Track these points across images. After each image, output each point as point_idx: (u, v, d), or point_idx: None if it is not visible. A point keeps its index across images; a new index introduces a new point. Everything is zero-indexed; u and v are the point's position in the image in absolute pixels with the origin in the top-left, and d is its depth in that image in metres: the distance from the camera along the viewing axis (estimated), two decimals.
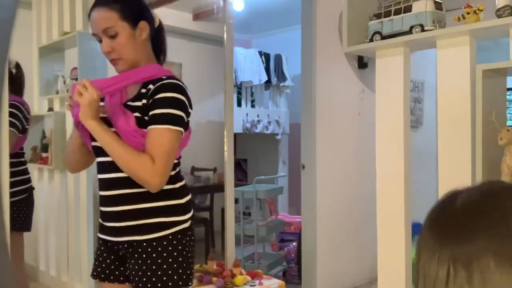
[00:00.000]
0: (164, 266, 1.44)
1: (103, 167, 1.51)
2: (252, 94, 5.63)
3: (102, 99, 1.50)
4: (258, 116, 5.55)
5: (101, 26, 1.46)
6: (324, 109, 3.53)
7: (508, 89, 2.09)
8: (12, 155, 2.54)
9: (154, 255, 1.44)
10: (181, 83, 1.48)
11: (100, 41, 1.50)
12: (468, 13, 1.71)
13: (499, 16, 1.65)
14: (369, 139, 2.55)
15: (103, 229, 1.56)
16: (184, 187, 1.56)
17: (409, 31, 1.88)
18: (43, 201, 3.54)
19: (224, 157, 3.14)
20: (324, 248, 3.53)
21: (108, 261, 1.57)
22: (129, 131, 1.42)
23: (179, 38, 5.43)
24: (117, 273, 1.56)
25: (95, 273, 1.59)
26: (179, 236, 1.48)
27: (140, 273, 1.45)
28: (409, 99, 2.06)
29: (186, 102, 1.45)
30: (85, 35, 3.10)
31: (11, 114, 2.46)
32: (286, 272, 4.09)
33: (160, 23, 1.63)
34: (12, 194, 2.51)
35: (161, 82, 1.45)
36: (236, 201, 3.72)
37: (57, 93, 3.45)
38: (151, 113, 1.42)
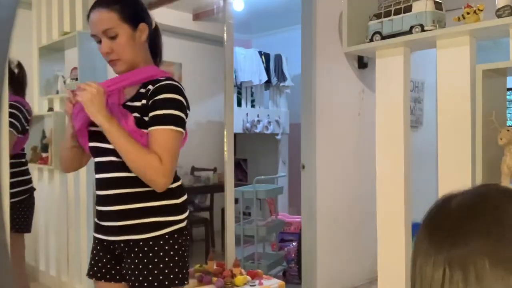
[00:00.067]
0: (161, 265, 1.45)
1: (101, 167, 1.51)
2: (252, 94, 5.63)
3: None
4: (258, 116, 5.55)
5: (101, 27, 1.46)
6: (324, 109, 3.53)
7: (508, 89, 2.09)
8: (13, 156, 2.54)
9: (151, 254, 1.45)
10: (179, 84, 1.49)
11: (99, 41, 1.50)
12: (468, 13, 1.71)
13: (499, 16, 1.65)
14: (369, 139, 2.55)
15: (98, 229, 1.57)
16: (180, 187, 1.56)
17: (409, 31, 1.88)
18: (43, 201, 3.54)
19: (224, 157, 3.14)
20: (324, 248, 3.53)
21: (104, 260, 1.57)
22: (128, 131, 1.42)
23: (179, 38, 5.43)
24: (113, 272, 1.57)
25: (91, 273, 1.59)
26: (175, 236, 1.49)
27: (136, 272, 1.46)
28: (409, 99, 2.07)
29: (185, 104, 1.47)
30: (85, 35, 3.10)
31: (10, 115, 2.45)
32: (286, 272, 4.09)
33: (156, 25, 1.63)
34: (12, 195, 2.50)
35: (161, 83, 1.45)
36: (236, 201, 3.72)
37: (57, 93, 3.45)
38: (152, 114, 1.42)
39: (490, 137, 1.63)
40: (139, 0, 1.58)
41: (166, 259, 1.46)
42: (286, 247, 4.19)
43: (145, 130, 1.43)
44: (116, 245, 1.52)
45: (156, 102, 1.43)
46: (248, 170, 6.23)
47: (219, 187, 4.58)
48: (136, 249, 1.47)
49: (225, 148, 3.12)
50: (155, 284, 1.44)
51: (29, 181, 2.74)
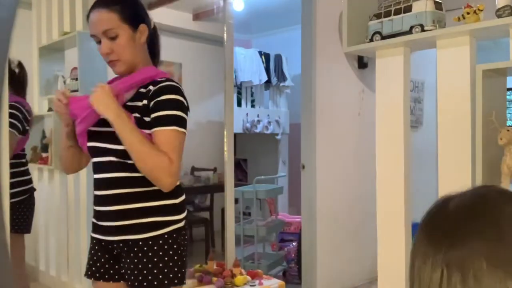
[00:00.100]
0: (160, 265, 1.45)
1: (100, 167, 1.52)
2: (252, 94, 5.63)
3: None
4: (258, 116, 5.55)
5: (101, 28, 1.46)
6: (324, 109, 3.53)
7: (508, 89, 2.09)
8: (13, 156, 2.53)
9: (150, 253, 1.46)
10: (179, 85, 1.50)
11: (99, 42, 1.50)
12: (468, 13, 1.71)
13: (499, 16, 1.65)
14: (369, 139, 2.55)
15: (97, 229, 1.57)
16: (179, 187, 1.57)
17: (409, 31, 1.88)
18: (43, 201, 3.54)
19: (224, 157, 3.14)
20: (324, 248, 3.53)
21: (102, 260, 1.57)
22: None
23: (179, 38, 5.43)
24: (111, 271, 1.57)
25: (89, 272, 1.59)
26: (174, 235, 1.49)
27: (136, 272, 1.46)
28: (409, 99, 2.07)
29: (186, 104, 1.48)
30: (85, 35, 3.09)
31: (11, 115, 2.44)
32: (286, 272, 4.09)
33: (155, 25, 1.63)
34: (12, 195, 2.49)
35: (162, 84, 1.46)
36: (236, 201, 3.72)
37: None
38: (155, 115, 1.43)
39: (490, 137, 1.63)
40: (139, 0, 1.58)
41: (166, 258, 1.46)
42: (286, 247, 4.19)
43: (145, 131, 1.43)
44: (115, 245, 1.52)
45: (158, 103, 1.43)
46: (248, 170, 6.23)
47: (219, 187, 4.58)
48: (135, 249, 1.47)
49: (225, 148, 3.12)
50: (155, 283, 1.44)
51: (29, 181, 2.73)
